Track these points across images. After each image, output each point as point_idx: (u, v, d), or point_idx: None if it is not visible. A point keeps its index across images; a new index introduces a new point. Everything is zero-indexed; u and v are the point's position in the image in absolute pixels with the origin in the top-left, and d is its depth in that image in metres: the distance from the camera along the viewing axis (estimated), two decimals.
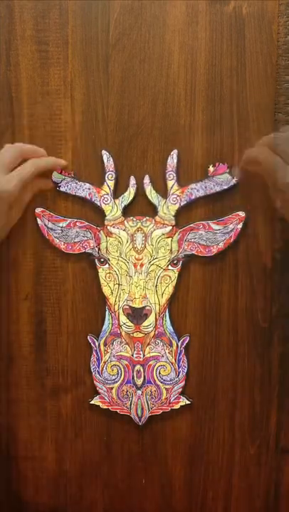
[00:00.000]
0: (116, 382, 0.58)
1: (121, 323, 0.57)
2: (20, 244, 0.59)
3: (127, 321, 0.56)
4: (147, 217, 0.56)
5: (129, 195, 0.56)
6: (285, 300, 0.56)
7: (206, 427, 0.58)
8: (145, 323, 0.56)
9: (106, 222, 0.56)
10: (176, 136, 0.56)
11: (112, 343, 0.57)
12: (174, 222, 0.56)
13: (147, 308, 0.56)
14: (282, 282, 0.55)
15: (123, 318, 0.57)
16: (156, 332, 0.57)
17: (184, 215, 0.56)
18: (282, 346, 0.56)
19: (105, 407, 0.58)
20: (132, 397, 0.57)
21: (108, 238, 0.56)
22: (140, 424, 0.58)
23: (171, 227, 0.56)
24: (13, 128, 0.58)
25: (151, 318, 0.56)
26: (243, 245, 0.55)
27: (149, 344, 0.57)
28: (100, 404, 0.58)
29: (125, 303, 0.56)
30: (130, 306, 0.56)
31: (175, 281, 0.56)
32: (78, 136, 0.57)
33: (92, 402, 0.58)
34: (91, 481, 0.60)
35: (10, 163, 0.54)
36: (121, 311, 0.57)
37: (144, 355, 0.57)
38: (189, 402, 0.57)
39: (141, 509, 0.60)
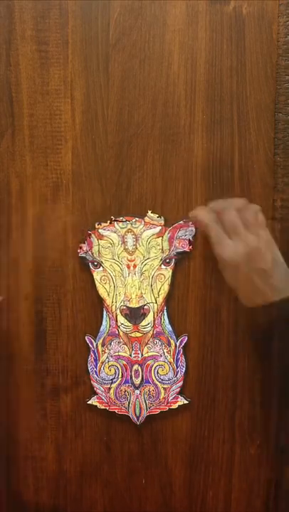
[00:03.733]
0: (114, 382, 0.58)
1: (119, 324, 0.57)
2: (20, 244, 0.59)
3: (125, 321, 0.56)
4: (137, 218, 0.56)
5: None
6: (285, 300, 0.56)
7: (206, 427, 0.58)
8: (143, 323, 0.56)
9: (96, 226, 0.57)
10: (176, 136, 0.56)
11: (110, 344, 0.57)
12: (162, 222, 0.56)
13: (145, 307, 0.56)
14: None
15: (121, 319, 0.57)
16: (155, 331, 0.57)
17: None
18: (282, 346, 0.56)
19: (103, 408, 0.58)
20: (130, 396, 0.57)
21: (100, 241, 0.56)
22: (138, 423, 0.58)
23: (160, 227, 0.56)
24: (13, 128, 0.58)
25: (150, 318, 0.56)
26: None
27: (147, 344, 0.57)
28: (98, 405, 0.58)
29: (122, 303, 0.56)
30: (127, 307, 0.56)
31: (170, 279, 0.56)
32: (78, 136, 0.57)
33: (89, 402, 0.58)
34: (91, 481, 0.60)
35: None
36: (118, 311, 0.57)
37: (142, 355, 0.57)
38: (187, 402, 0.57)
39: (141, 509, 0.60)
